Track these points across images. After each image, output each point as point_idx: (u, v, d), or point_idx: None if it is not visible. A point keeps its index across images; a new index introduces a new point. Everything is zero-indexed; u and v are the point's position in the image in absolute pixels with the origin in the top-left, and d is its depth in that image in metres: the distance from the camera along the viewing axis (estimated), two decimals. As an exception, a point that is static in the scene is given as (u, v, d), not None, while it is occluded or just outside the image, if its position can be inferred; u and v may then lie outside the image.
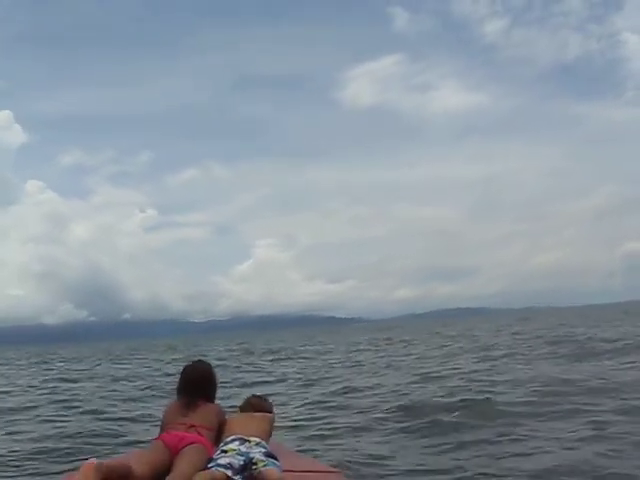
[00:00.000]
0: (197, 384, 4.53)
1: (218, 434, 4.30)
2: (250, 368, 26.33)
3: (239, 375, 22.17)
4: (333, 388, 15.62)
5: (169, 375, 21.48)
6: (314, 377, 19.43)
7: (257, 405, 4.78)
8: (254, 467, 3.75)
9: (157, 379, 21.80)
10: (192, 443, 3.96)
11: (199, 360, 5.02)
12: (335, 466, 5.27)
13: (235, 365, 28.41)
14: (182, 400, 4.46)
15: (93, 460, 3.33)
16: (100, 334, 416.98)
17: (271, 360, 31.51)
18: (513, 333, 38.25)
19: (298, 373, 21.77)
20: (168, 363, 32.34)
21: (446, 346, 30.73)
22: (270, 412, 4.76)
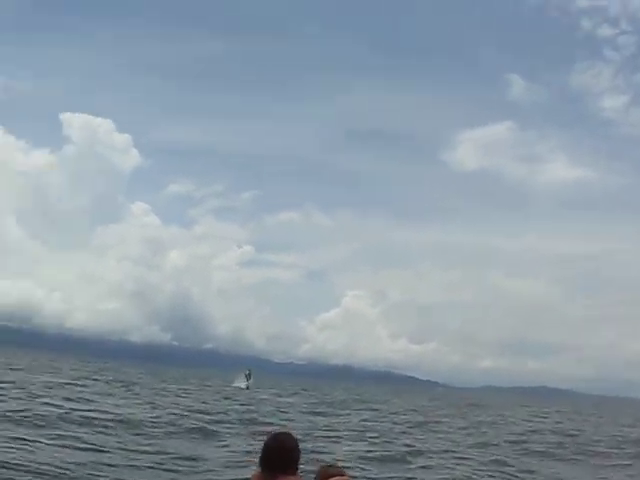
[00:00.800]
0: (285, 457, 4.34)
1: None
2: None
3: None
4: None
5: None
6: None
7: (330, 474, 4.67)
8: None
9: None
10: None
11: (286, 432, 4.71)
12: None
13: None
14: (267, 473, 4.32)
15: None
16: (182, 359, 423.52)
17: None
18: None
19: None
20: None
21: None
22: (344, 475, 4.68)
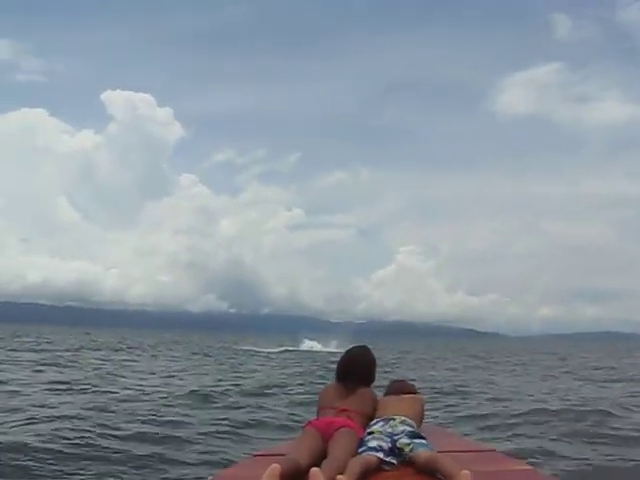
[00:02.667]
0: (355, 369, 4.50)
1: (369, 419, 4.16)
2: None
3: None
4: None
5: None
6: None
7: (403, 387, 4.73)
8: (403, 452, 3.67)
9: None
10: (342, 427, 3.92)
11: (363, 346, 4.80)
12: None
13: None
14: (339, 384, 4.45)
15: (277, 465, 3.21)
16: (240, 326, 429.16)
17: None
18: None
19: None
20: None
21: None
22: (415, 392, 4.69)
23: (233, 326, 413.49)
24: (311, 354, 50.86)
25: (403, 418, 3.96)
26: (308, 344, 64.81)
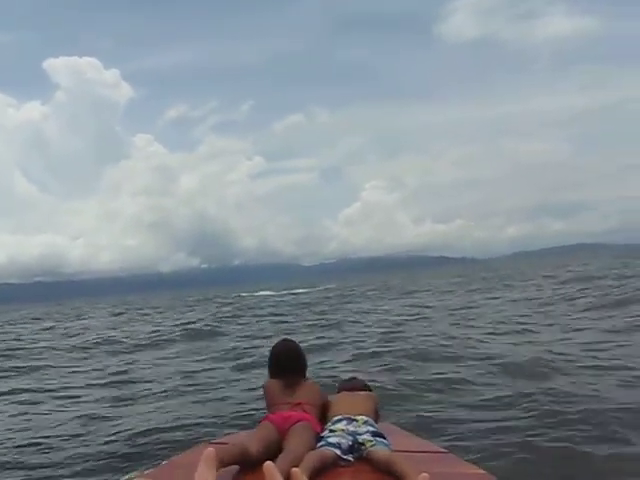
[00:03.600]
0: (294, 361, 4.50)
1: (321, 412, 4.23)
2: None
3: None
4: None
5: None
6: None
7: (356, 385, 4.68)
8: (362, 447, 3.71)
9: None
10: (299, 421, 3.92)
11: (287, 338, 4.86)
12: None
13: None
14: (281, 379, 4.37)
15: (212, 449, 3.23)
16: (213, 280, 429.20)
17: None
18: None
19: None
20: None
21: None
22: (371, 391, 4.66)
23: (206, 282, 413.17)
24: (262, 298, 53.50)
25: (366, 419, 4.00)
26: (262, 293, 66.78)
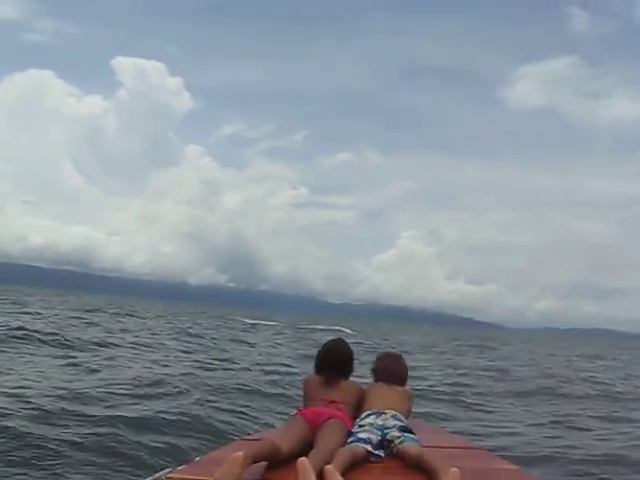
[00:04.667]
0: (338, 362, 4.53)
1: (357, 409, 4.26)
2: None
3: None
4: None
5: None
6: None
7: (393, 368, 4.61)
8: (392, 444, 3.72)
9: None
10: (331, 418, 3.96)
11: (340, 338, 4.96)
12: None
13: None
14: (322, 376, 4.46)
15: (240, 453, 3.23)
16: (238, 300, 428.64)
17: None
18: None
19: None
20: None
21: None
22: (406, 379, 4.62)
23: (228, 300, 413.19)
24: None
25: (394, 413, 3.96)
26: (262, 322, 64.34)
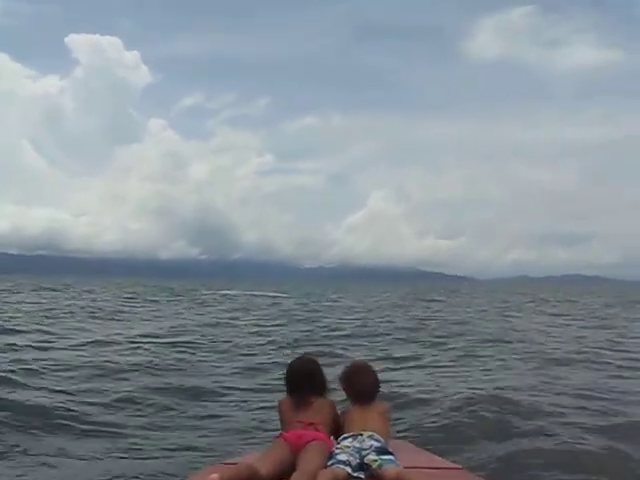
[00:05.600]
0: (306, 380, 4.42)
1: (335, 428, 4.27)
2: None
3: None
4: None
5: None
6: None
7: (366, 388, 4.37)
8: (371, 467, 3.70)
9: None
10: (312, 440, 3.97)
11: (303, 356, 5.00)
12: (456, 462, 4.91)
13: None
14: (294, 397, 4.39)
15: (215, 476, 3.31)
16: (211, 272, 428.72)
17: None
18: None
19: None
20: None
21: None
22: (377, 389, 4.43)
23: (203, 273, 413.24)
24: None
25: (370, 433, 4.00)
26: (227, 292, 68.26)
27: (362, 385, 4.40)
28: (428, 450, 5.06)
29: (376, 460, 3.72)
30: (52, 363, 12.35)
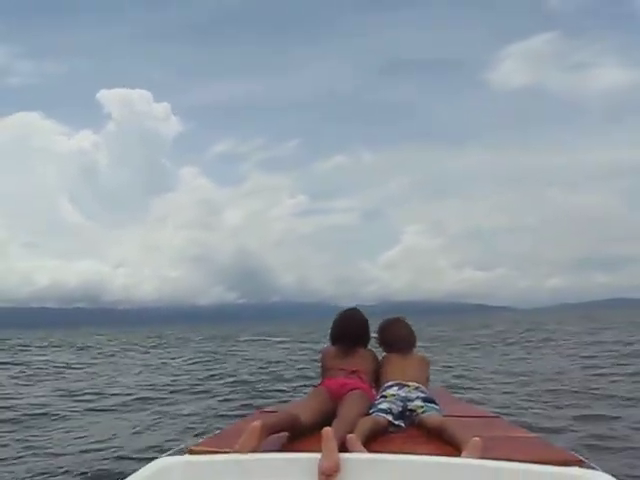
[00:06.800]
0: (355, 331, 4.50)
1: (375, 378, 4.28)
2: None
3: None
4: None
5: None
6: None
7: (405, 337, 4.48)
8: (414, 413, 3.78)
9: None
10: (354, 389, 3.99)
11: (354, 308, 4.79)
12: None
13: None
14: (340, 346, 4.43)
15: (257, 422, 3.22)
16: (250, 316, 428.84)
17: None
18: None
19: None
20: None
21: None
22: (415, 342, 4.54)
23: (244, 316, 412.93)
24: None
25: (417, 385, 3.98)
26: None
27: (400, 333, 4.51)
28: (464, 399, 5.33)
29: (422, 406, 3.75)
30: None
